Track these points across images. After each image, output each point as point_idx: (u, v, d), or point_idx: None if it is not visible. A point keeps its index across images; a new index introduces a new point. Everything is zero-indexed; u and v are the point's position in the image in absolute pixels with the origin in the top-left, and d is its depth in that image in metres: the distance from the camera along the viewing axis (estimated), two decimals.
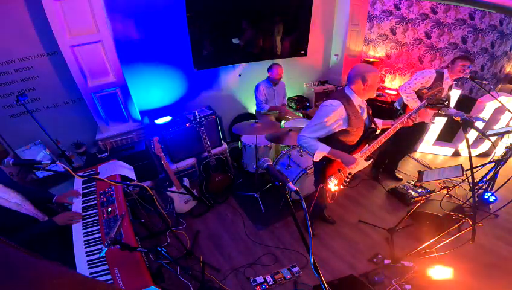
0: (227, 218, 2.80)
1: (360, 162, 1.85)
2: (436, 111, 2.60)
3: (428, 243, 2.08)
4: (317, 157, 1.75)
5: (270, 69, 3.32)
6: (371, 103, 1.92)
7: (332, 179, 1.88)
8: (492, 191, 2.68)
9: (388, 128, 1.79)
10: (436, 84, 2.42)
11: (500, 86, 4.48)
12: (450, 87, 2.59)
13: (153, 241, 2.49)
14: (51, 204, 1.73)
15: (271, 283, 2.08)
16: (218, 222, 2.76)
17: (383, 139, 1.78)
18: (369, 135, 1.80)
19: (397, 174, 3.31)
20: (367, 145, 1.82)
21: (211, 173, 2.87)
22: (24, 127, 2.69)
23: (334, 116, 1.65)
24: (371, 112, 1.86)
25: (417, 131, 2.95)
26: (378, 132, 1.92)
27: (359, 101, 1.71)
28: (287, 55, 4.06)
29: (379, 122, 1.95)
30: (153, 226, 2.61)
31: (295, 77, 4.46)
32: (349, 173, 1.87)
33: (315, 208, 2.33)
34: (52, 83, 2.77)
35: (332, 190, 1.90)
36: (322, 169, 1.88)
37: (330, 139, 1.76)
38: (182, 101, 3.67)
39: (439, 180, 2.06)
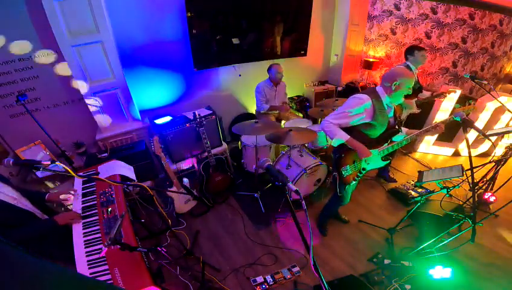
0: (227, 218, 2.80)
1: (376, 159, 1.97)
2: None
3: (428, 243, 2.08)
4: (335, 142, 1.90)
5: (269, 70, 3.32)
6: None
7: (346, 169, 1.97)
8: (492, 191, 2.68)
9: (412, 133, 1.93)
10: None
11: (500, 86, 4.47)
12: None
13: (153, 241, 2.48)
14: (45, 202, 1.72)
15: (271, 283, 2.08)
16: (218, 222, 2.76)
17: (403, 142, 1.92)
18: (390, 133, 1.93)
19: (391, 175, 3.26)
20: (386, 143, 1.93)
21: (210, 173, 2.87)
22: (24, 127, 2.68)
23: (359, 109, 1.76)
24: (398, 114, 1.95)
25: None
26: (402, 134, 2.00)
27: (388, 101, 1.81)
28: (287, 55, 4.06)
29: (404, 130, 2.03)
30: (153, 226, 2.61)
31: (295, 77, 4.45)
32: (363, 168, 1.98)
33: (332, 205, 2.40)
34: (52, 82, 2.77)
35: (345, 177, 1.99)
36: (338, 158, 1.98)
37: (353, 130, 1.88)
38: (182, 101, 3.67)
39: (439, 180, 2.06)
